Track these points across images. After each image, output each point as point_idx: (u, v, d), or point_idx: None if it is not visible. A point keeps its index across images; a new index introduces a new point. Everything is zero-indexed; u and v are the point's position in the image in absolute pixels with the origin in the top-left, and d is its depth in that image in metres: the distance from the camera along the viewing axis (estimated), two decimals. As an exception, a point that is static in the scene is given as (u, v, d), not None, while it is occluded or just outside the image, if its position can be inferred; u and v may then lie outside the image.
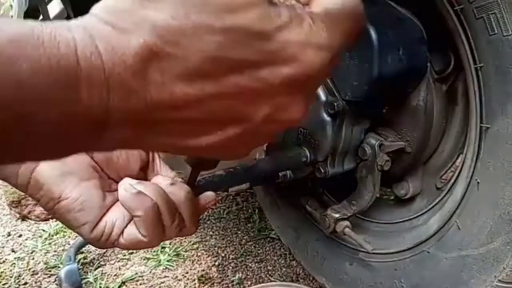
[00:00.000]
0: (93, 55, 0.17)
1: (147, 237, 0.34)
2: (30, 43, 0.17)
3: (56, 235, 1.28)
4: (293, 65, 0.20)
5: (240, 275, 1.10)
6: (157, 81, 0.18)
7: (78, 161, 0.35)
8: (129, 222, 0.35)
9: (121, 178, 0.36)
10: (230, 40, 0.18)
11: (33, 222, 1.35)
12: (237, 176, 0.64)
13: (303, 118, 0.23)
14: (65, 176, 0.33)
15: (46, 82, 0.17)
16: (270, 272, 1.11)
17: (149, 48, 0.18)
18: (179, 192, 0.35)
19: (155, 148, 0.23)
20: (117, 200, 0.35)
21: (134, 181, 0.34)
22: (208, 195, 0.38)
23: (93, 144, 0.20)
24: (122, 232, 0.35)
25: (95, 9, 0.19)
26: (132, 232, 0.34)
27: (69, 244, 1.23)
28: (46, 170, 0.33)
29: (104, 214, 0.35)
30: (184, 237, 1.25)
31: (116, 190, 0.35)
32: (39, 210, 1.33)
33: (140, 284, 1.08)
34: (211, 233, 1.28)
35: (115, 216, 0.35)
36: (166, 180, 0.36)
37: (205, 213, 1.37)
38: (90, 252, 1.17)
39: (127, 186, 0.33)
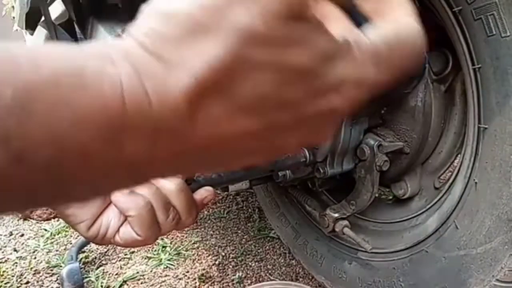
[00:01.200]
0: (140, 97, 0.15)
1: (142, 235, 0.34)
2: (72, 83, 0.14)
3: (58, 234, 1.28)
4: (332, 99, 0.20)
5: (240, 274, 1.11)
6: (204, 121, 0.17)
7: None
8: (124, 221, 0.35)
9: None
10: (279, 78, 0.17)
11: (35, 221, 1.35)
12: (236, 174, 0.64)
13: (328, 139, 0.24)
14: None
15: (88, 134, 0.14)
16: (270, 271, 1.12)
17: (200, 87, 0.16)
18: (170, 184, 0.35)
19: (188, 173, 0.23)
20: None
21: None
22: (205, 189, 0.39)
23: (132, 185, 0.20)
24: (118, 231, 0.35)
25: (138, 31, 0.16)
26: (127, 231, 0.35)
27: (70, 243, 1.24)
28: None
29: (102, 212, 0.35)
30: (184, 234, 1.26)
31: None
32: (41, 209, 1.34)
33: (141, 283, 1.08)
34: (211, 232, 1.28)
35: (111, 215, 0.35)
36: None
37: (205, 212, 1.38)
38: (92, 251, 1.18)
39: None
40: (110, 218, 0.35)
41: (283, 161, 0.74)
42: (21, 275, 1.12)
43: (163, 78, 0.15)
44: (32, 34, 1.17)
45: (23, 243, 1.25)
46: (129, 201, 0.33)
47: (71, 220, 0.34)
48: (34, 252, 1.21)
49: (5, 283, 1.09)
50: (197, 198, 0.38)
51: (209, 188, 0.39)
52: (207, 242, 1.24)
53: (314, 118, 0.20)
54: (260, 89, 0.17)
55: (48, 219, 1.35)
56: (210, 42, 0.16)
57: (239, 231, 1.29)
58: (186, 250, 1.19)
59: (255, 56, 0.16)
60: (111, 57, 0.15)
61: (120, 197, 0.33)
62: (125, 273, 1.11)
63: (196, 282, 1.08)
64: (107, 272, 1.12)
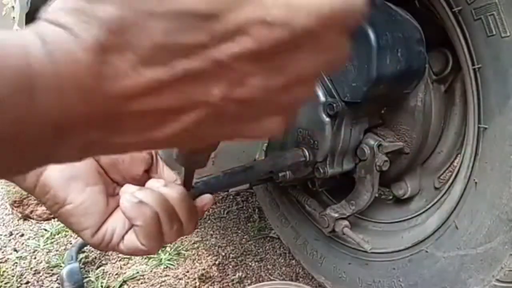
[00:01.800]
0: (46, 58, 0.18)
1: (146, 245, 0.34)
2: None
3: (58, 234, 1.28)
4: (242, 41, 0.19)
5: (240, 274, 1.11)
6: (111, 76, 0.18)
7: (85, 165, 0.35)
8: (130, 229, 0.35)
9: (126, 181, 0.36)
10: (175, 25, 0.18)
11: (35, 221, 1.35)
12: (235, 177, 0.63)
13: (268, 96, 0.21)
14: (71, 181, 0.34)
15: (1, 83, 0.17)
16: (270, 271, 1.12)
17: (100, 44, 0.18)
18: (172, 192, 0.35)
19: (123, 149, 0.22)
20: (119, 205, 0.35)
21: (135, 188, 0.34)
22: (205, 197, 0.38)
23: (55, 152, 0.20)
24: (122, 239, 0.35)
25: (45, 13, 0.19)
26: (132, 239, 0.35)
27: (71, 243, 1.24)
28: (53, 174, 0.33)
29: (106, 219, 0.35)
30: (184, 236, 1.26)
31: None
32: (41, 209, 1.34)
33: (141, 283, 1.08)
34: (211, 232, 1.28)
35: (116, 223, 0.35)
36: (159, 182, 0.35)
37: (206, 212, 1.38)
38: (92, 251, 1.18)
39: (127, 196, 0.33)
40: (115, 225, 0.35)
41: (282, 162, 0.74)
42: (21, 275, 1.12)
43: (67, 41, 0.18)
44: (32, 34, 1.16)
45: (23, 243, 1.25)
46: (137, 210, 0.33)
47: (75, 228, 0.34)
48: (34, 252, 1.21)
49: (5, 283, 1.09)
50: (197, 205, 0.38)
51: (209, 196, 0.39)
52: (207, 242, 1.24)
53: (228, 64, 0.19)
54: (157, 38, 0.18)
55: (48, 219, 1.35)
56: (104, 5, 0.18)
57: (239, 231, 1.29)
58: (186, 250, 1.20)
59: (146, 8, 0.18)
60: (20, 32, 0.18)
61: (128, 205, 0.33)
62: (125, 273, 1.11)
63: (196, 282, 1.08)
64: (107, 272, 1.12)
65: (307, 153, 0.78)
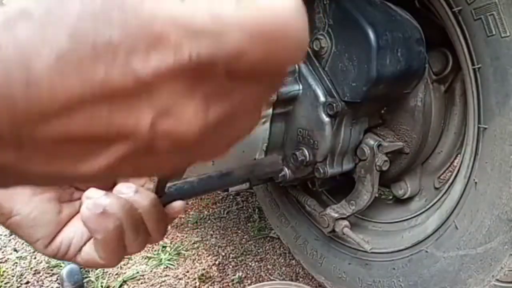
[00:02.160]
0: None
1: (105, 258, 0.31)
2: None
3: (57, 234, 1.28)
4: (163, 52, 0.15)
5: (240, 274, 1.11)
6: (21, 91, 0.14)
7: None
8: (88, 240, 0.32)
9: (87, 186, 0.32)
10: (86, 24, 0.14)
11: (34, 221, 1.35)
12: (210, 183, 0.60)
13: (203, 131, 0.17)
14: (16, 191, 0.31)
15: None
16: (270, 271, 1.12)
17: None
18: (142, 200, 0.31)
19: (42, 181, 0.19)
20: (78, 212, 0.32)
21: (100, 194, 0.30)
22: (176, 204, 0.35)
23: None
24: (79, 250, 0.32)
25: None
26: (90, 251, 0.32)
27: (70, 243, 1.24)
28: None
29: (62, 229, 0.32)
30: (184, 234, 1.26)
31: (79, 199, 0.32)
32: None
33: (141, 283, 1.08)
34: (211, 232, 1.29)
35: (72, 233, 0.32)
36: (129, 188, 0.31)
37: (206, 212, 1.38)
38: (92, 251, 1.18)
39: (90, 204, 0.29)
40: (72, 235, 0.32)
41: (259, 169, 0.70)
42: (21, 275, 1.12)
43: None
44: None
45: (23, 243, 1.25)
46: (99, 221, 0.29)
47: (26, 239, 0.32)
48: (34, 252, 1.21)
49: (5, 283, 1.09)
50: (168, 212, 0.34)
51: (181, 202, 0.35)
52: (207, 242, 1.24)
53: (153, 81, 0.15)
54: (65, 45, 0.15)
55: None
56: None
57: (239, 231, 1.29)
58: (186, 250, 1.20)
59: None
60: None
61: (89, 214, 0.29)
62: (125, 273, 1.11)
63: (196, 282, 1.08)
64: (107, 272, 1.12)
65: (307, 153, 0.78)
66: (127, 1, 0.15)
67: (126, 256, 1.17)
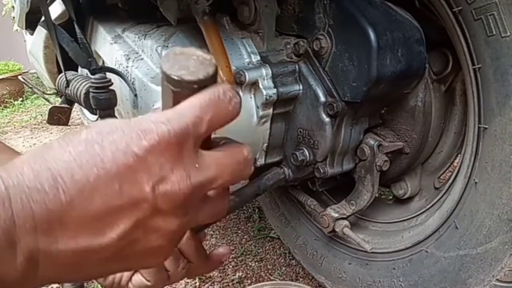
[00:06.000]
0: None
1: (151, 281, 0.38)
2: None
3: (57, 234, 1.28)
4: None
5: (240, 274, 1.11)
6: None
7: None
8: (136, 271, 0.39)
9: None
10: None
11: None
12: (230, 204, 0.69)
13: (191, 190, 0.23)
14: None
15: None
16: (270, 271, 1.12)
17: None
18: None
19: (67, 259, 0.24)
20: None
21: None
22: (222, 248, 0.41)
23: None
24: (130, 279, 0.39)
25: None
26: (138, 278, 0.38)
27: (70, 243, 1.24)
28: None
29: None
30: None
31: None
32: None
33: (141, 283, 1.08)
34: (211, 232, 1.28)
35: None
36: None
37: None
38: (92, 251, 1.18)
39: None
40: None
41: (265, 183, 0.79)
42: (21, 275, 1.12)
43: None
44: (32, 34, 1.17)
45: (23, 243, 1.25)
46: None
47: None
48: (34, 252, 1.21)
49: (5, 283, 1.08)
50: (214, 255, 0.41)
51: (226, 248, 0.42)
52: (207, 242, 1.24)
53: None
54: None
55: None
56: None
57: (239, 231, 1.29)
58: (186, 250, 1.19)
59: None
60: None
61: None
62: (125, 273, 1.11)
63: (196, 282, 1.08)
64: (107, 272, 1.12)
65: (307, 153, 0.78)
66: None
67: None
